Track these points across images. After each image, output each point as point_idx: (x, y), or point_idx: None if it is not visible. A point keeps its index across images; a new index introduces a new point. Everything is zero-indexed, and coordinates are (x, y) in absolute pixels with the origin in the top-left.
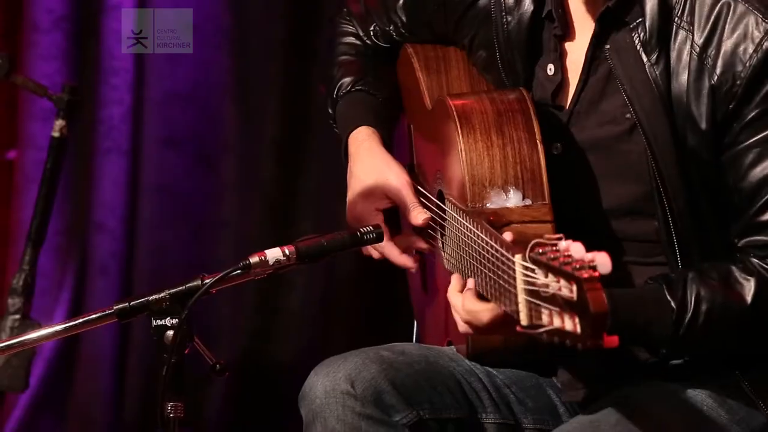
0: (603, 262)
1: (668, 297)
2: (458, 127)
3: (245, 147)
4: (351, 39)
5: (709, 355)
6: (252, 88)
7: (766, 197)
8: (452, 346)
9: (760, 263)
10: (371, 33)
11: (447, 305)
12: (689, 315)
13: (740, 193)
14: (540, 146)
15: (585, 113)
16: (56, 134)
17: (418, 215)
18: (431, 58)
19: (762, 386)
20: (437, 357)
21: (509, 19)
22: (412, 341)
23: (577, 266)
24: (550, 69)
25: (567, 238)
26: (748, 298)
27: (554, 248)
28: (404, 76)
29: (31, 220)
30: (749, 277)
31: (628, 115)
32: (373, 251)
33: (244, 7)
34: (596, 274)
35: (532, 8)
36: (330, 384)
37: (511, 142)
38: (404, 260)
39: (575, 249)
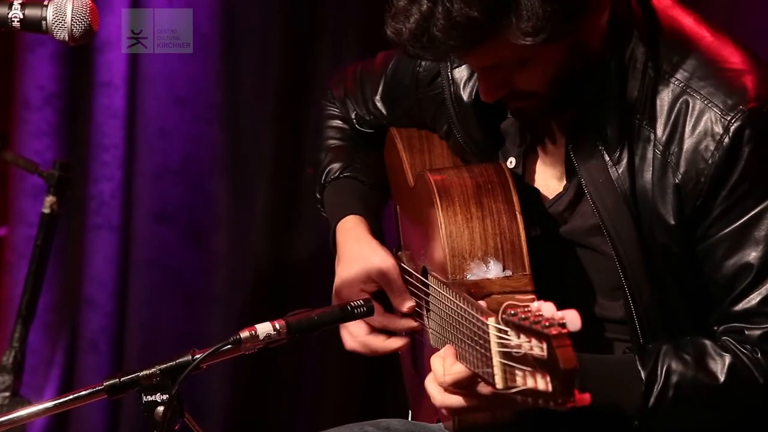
0: (572, 319)
1: (639, 367)
2: (437, 200)
3: (236, 221)
4: (338, 122)
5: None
6: (242, 162)
7: (740, 288)
8: (440, 423)
9: (736, 345)
10: (353, 120)
11: None
12: (658, 387)
13: (716, 285)
14: (520, 217)
15: (562, 211)
16: (47, 210)
17: (404, 302)
18: (414, 138)
19: None
20: None
21: (459, 109)
22: (407, 419)
23: (547, 324)
24: (511, 162)
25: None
26: (721, 376)
27: (526, 309)
28: (389, 158)
29: (21, 296)
30: (724, 354)
31: (596, 214)
32: (354, 344)
33: (234, 82)
34: (565, 330)
35: (472, 98)
36: None
37: (490, 214)
38: (406, 323)
39: (546, 308)
